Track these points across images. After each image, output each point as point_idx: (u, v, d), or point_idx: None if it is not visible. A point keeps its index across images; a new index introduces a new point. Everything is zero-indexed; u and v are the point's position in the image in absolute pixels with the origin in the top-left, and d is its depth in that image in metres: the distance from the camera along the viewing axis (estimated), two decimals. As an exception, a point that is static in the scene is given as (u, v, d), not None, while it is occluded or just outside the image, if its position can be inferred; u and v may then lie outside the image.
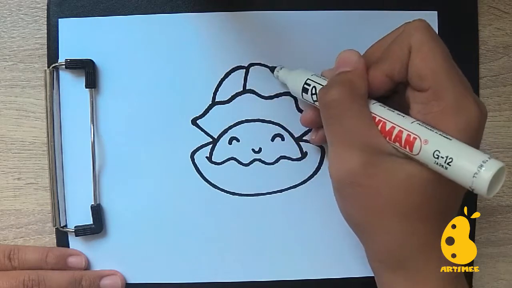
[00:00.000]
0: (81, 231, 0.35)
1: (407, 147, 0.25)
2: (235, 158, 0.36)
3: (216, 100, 0.35)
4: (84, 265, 0.35)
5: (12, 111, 0.36)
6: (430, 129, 0.25)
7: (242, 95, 0.35)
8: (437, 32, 0.34)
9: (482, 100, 0.31)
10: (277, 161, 0.36)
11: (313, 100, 0.30)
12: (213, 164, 0.36)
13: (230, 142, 0.36)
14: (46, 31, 0.35)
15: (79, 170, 0.35)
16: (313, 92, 0.30)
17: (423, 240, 0.26)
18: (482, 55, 0.36)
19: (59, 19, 0.35)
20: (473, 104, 0.25)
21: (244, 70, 0.35)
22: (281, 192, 0.36)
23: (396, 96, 0.29)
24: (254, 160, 0.36)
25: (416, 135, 0.25)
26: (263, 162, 0.36)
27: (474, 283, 0.37)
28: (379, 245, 0.28)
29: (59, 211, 0.35)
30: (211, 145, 0.36)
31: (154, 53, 0.35)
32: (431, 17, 0.35)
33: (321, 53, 0.34)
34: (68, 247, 0.36)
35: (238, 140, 0.36)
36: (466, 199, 0.28)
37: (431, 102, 0.25)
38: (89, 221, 0.35)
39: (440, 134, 0.24)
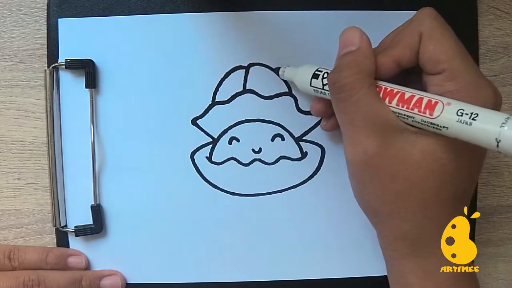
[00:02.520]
0: (81, 231, 0.35)
1: (427, 111, 0.25)
2: (235, 158, 0.36)
3: (216, 100, 0.35)
4: (84, 265, 0.35)
5: (12, 111, 0.36)
6: (450, 98, 0.25)
7: (242, 95, 0.35)
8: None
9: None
10: (277, 161, 0.36)
11: (323, 84, 0.30)
12: (213, 164, 0.36)
13: (230, 142, 0.36)
14: (46, 31, 0.35)
15: (79, 170, 0.35)
16: (324, 76, 0.30)
17: (438, 225, 0.27)
18: (482, 55, 0.36)
19: (59, 19, 0.35)
20: (488, 86, 0.26)
21: (244, 70, 0.35)
22: (281, 192, 0.36)
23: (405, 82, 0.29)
24: (254, 160, 0.36)
25: (437, 99, 0.25)
26: (263, 162, 0.36)
27: (474, 283, 0.37)
28: (395, 230, 0.28)
29: (59, 211, 0.35)
30: (211, 145, 0.36)
31: (154, 53, 0.35)
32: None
33: (321, 53, 0.34)
34: (68, 247, 0.36)
35: (238, 140, 0.36)
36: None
37: (447, 83, 0.26)
38: (89, 221, 0.35)
39: (460, 101, 0.24)
